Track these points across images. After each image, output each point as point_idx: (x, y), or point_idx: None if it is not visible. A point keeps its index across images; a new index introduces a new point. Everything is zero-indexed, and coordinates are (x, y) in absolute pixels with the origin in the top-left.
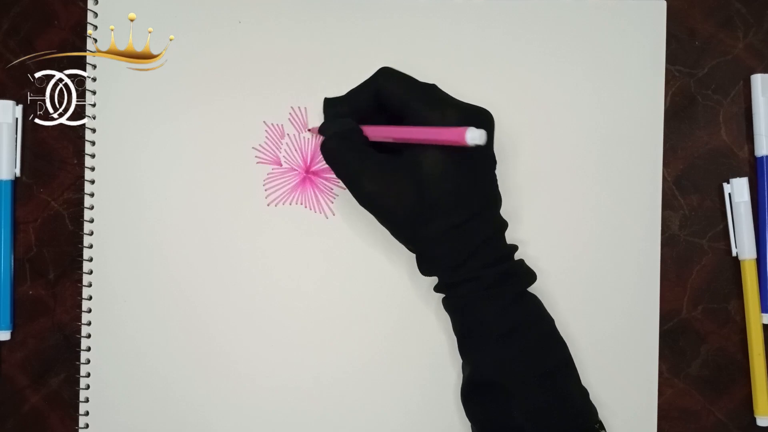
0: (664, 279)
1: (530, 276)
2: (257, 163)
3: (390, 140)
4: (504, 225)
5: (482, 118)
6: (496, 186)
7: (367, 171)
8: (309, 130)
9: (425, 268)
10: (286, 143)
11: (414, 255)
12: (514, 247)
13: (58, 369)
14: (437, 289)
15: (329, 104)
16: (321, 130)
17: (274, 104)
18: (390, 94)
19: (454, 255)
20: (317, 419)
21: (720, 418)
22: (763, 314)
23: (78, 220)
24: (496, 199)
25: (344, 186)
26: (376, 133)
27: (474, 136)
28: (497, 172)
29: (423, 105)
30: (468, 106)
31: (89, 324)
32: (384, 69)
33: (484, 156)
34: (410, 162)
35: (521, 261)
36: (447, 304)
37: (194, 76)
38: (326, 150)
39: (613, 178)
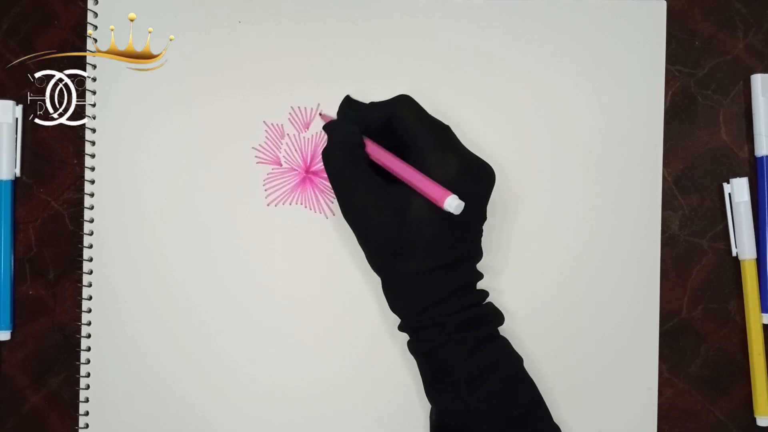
0: (664, 279)
1: (497, 319)
2: (257, 163)
3: (382, 166)
4: (478, 277)
5: (481, 174)
6: (479, 241)
7: (360, 188)
8: (320, 114)
9: (392, 304)
10: (286, 143)
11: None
12: (485, 294)
13: (58, 369)
14: (401, 328)
15: (348, 104)
16: (328, 127)
17: (274, 104)
18: (402, 123)
19: (421, 299)
20: (317, 419)
21: (720, 418)
22: (763, 314)
23: (78, 220)
24: (475, 254)
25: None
26: (374, 153)
27: (451, 204)
28: (490, 225)
29: (429, 144)
30: (470, 159)
31: (89, 324)
32: (403, 97)
33: (477, 211)
34: (401, 196)
35: (488, 304)
36: (411, 348)
37: (194, 76)
38: (327, 155)
39: (613, 178)
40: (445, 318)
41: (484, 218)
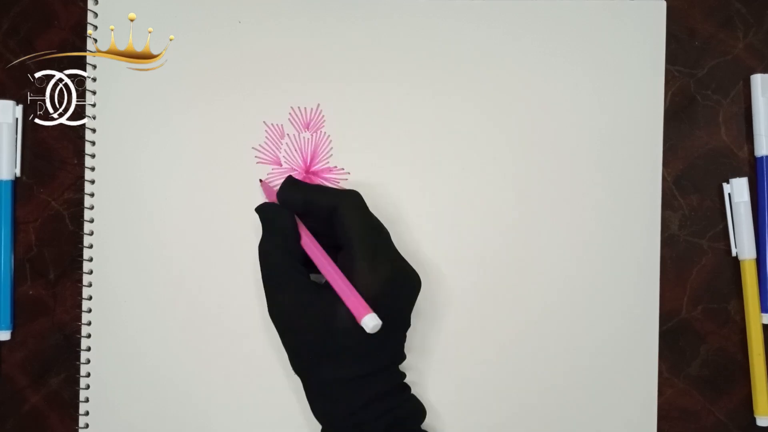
0: (664, 279)
1: (418, 416)
2: (257, 163)
3: (313, 259)
4: (401, 377)
5: (406, 284)
6: (402, 347)
7: (288, 290)
8: (260, 181)
9: (313, 409)
10: (286, 143)
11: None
12: (407, 393)
13: (58, 369)
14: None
15: (290, 185)
16: (263, 210)
17: (274, 104)
18: (342, 221)
19: (344, 406)
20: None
21: (720, 418)
22: (763, 314)
23: (78, 220)
24: (397, 359)
25: (344, 187)
26: (307, 248)
27: (367, 324)
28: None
29: (361, 251)
30: (400, 267)
31: (89, 324)
32: (351, 195)
33: (400, 319)
34: (328, 303)
35: (410, 399)
36: None
37: (194, 76)
38: (261, 248)
39: (613, 178)
40: (367, 426)
41: (408, 326)
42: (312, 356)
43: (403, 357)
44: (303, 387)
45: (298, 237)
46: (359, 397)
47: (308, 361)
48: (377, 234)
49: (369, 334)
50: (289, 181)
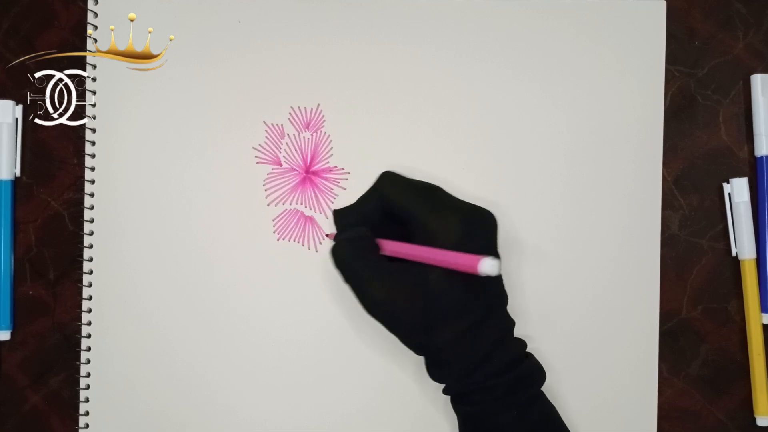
0: (664, 279)
1: (541, 376)
2: (257, 163)
3: (404, 258)
4: (512, 323)
5: (485, 221)
6: (502, 285)
7: (375, 279)
8: (327, 235)
9: (436, 375)
10: (286, 143)
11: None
12: (524, 345)
13: (58, 369)
14: (446, 392)
15: (339, 216)
16: (335, 239)
17: (274, 104)
18: (393, 201)
19: (465, 361)
20: (317, 414)
21: (720, 418)
22: (763, 314)
23: (78, 220)
24: (502, 300)
25: (345, 187)
26: (391, 247)
27: (486, 268)
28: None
29: (424, 211)
30: (469, 209)
31: (89, 324)
32: (386, 174)
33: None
34: (416, 273)
35: (531, 359)
36: (458, 409)
37: (194, 76)
38: (335, 255)
39: (613, 178)
40: (492, 380)
41: (500, 261)
42: (420, 330)
43: (505, 298)
44: (425, 365)
45: (371, 238)
46: (477, 350)
47: (419, 336)
48: (430, 192)
49: (465, 284)
50: (335, 215)
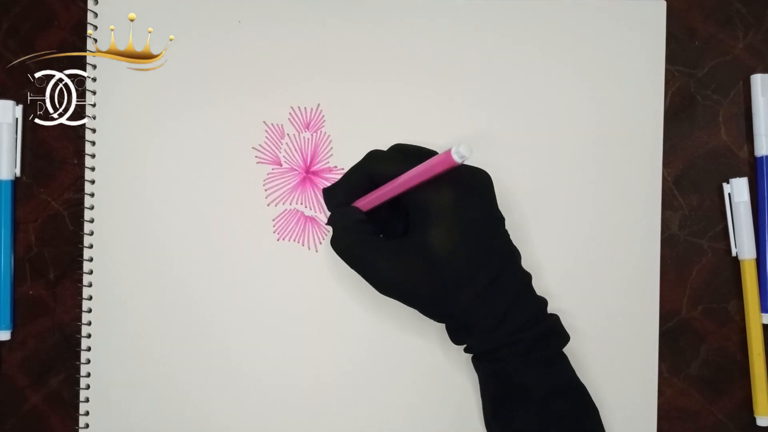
0: (664, 279)
1: (564, 336)
2: (257, 163)
3: (386, 200)
4: (529, 277)
5: (479, 179)
6: (510, 241)
7: (382, 261)
8: (327, 224)
9: (458, 338)
10: (286, 143)
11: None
12: (545, 302)
13: (58, 369)
14: (468, 350)
15: (328, 194)
16: (329, 222)
17: (274, 104)
18: (381, 172)
19: (487, 320)
20: (318, 417)
21: (720, 418)
22: (763, 314)
23: (78, 220)
24: (513, 255)
25: None
26: (371, 200)
27: (459, 151)
28: (509, 227)
29: None
30: (461, 172)
31: (89, 324)
32: (372, 152)
33: (490, 217)
34: (419, 244)
35: (555, 318)
36: (480, 367)
37: (194, 76)
38: (338, 246)
39: (613, 178)
40: (517, 335)
41: (502, 218)
42: (435, 299)
43: (516, 253)
44: (446, 331)
45: (365, 218)
46: (494, 309)
47: (436, 305)
48: (422, 156)
49: (471, 243)
50: (324, 194)
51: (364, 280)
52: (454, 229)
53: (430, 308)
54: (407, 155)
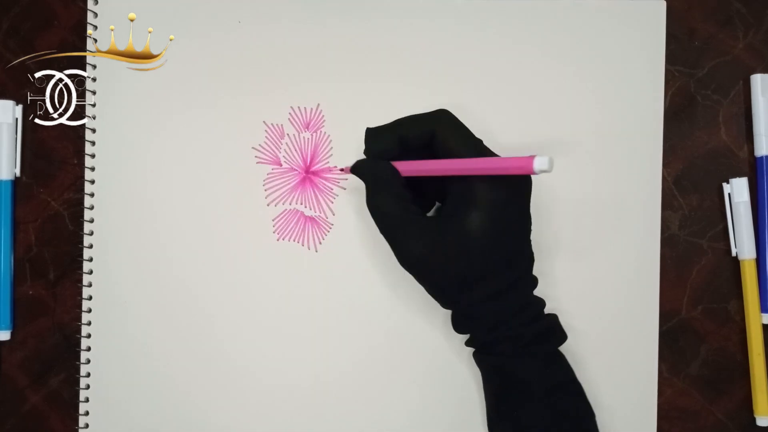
0: (664, 279)
1: (562, 335)
2: (257, 163)
3: (437, 174)
4: (537, 282)
5: (525, 180)
6: (531, 246)
7: (417, 235)
8: (341, 170)
9: (461, 328)
10: (286, 143)
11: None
12: (543, 302)
13: (58, 369)
14: (469, 343)
15: (372, 135)
16: (364, 170)
17: (274, 104)
18: (444, 144)
19: (495, 317)
20: (319, 418)
21: (720, 418)
22: (763, 314)
23: (78, 220)
24: (532, 260)
25: (344, 187)
26: (417, 170)
27: (542, 163)
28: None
29: (477, 155)
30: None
31: (89, 324)
32: (444, 113)
33: (528, 222)
34: (456, 228)
35: (554, 317)
36: (481, 361)
37: (194, 76)
38: (375, 207)
39: (612, 177)
40: (518, 329)
41: (531, 222)
42: (456, 287)
43: (533, 259)
44: (451, 319)
45: (402, 179)
46: (505, 308)
47: (453, 292)
48: (479, 148)
49: (504, 244)
50: (371, 131)
51: (369, 266)
52: (498, 224)
53: (444, 293)
54: (470, 140)
